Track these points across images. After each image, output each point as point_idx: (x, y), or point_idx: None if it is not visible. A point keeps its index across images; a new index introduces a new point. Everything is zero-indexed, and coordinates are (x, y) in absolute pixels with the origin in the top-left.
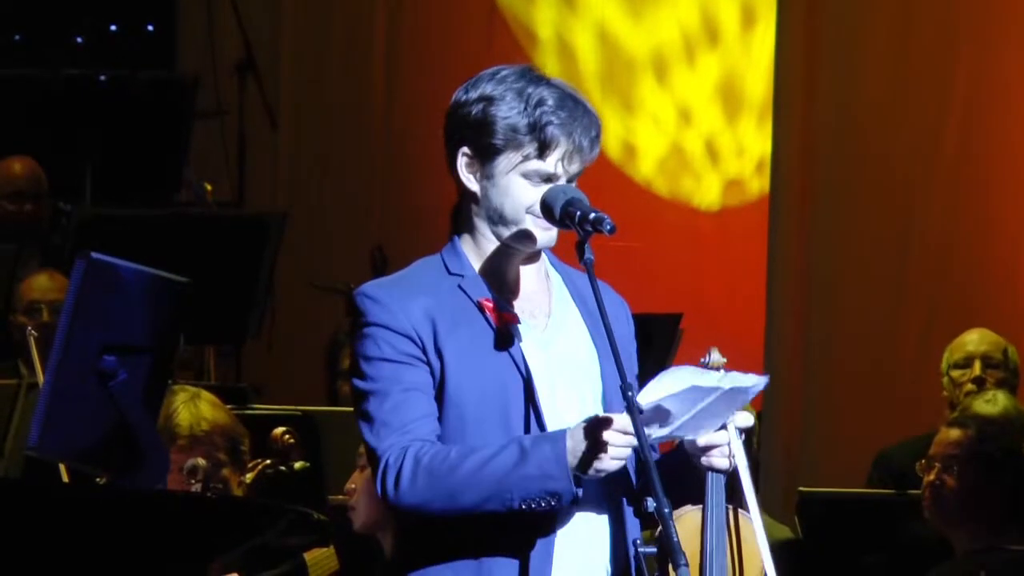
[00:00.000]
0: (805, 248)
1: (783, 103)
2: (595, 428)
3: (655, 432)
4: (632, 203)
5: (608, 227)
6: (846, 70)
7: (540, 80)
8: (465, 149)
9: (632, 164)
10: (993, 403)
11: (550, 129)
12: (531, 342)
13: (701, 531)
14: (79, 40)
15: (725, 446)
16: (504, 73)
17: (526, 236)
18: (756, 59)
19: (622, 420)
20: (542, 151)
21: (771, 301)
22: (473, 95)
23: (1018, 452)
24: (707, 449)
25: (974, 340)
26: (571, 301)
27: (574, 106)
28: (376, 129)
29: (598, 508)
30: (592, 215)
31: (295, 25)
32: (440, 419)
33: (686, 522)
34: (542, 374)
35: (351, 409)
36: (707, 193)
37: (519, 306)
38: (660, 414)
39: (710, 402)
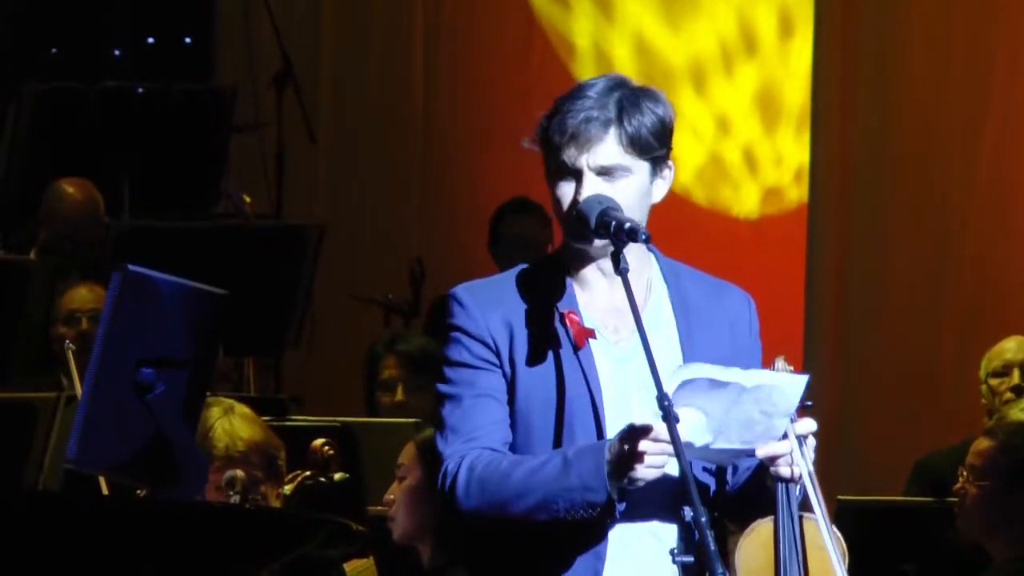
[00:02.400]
0: (843, 256)
1: (821, 112)
2: (631, 438)
3: (698, 442)
4: (671, 212)
5: (643, 237)
6: (883, 78)
7: (585, 84)
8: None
9: None
10: None
11: (560, 120)
12: (607, 357)
13: (774, 543)
14: (116, 53)
15: (788, 455)
16: (591, 83)
17: (576, 237)
18: (794, 68)
19: (657, 428)
20: (559, 146)
21: (809, 309)
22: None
23: None
24: (774, 460)
25: (1012, 348)
26: (669, 314)
27: (586, 92)
28: (414, 140)
29: (651, 519)
30: (627, 225)
31: (333, 37)
32: (511, 427)
33: (761, 534)
34: (614, 390)
35: (390, 420)
36: (745, 202)
37: (604, 318)
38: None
39: (740, 403)
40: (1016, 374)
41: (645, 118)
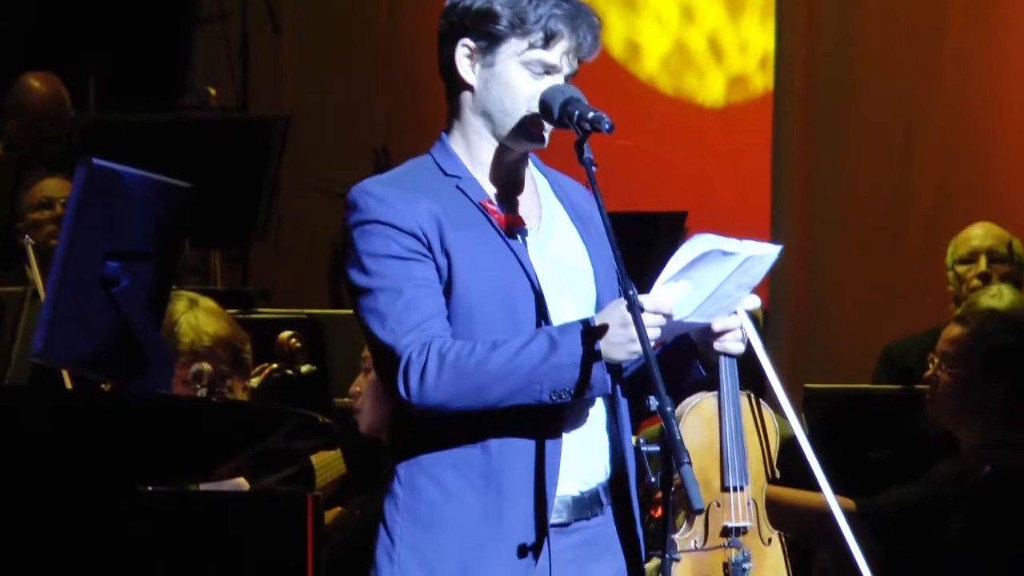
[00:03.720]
0: (809, 143)
1: None
2: (624, 311)
3: (678, 315)
4: (636, 101)
5: (607, 126)
6: None
7: None
8: (466, 40)
9: (636, 62)
10: (999, 297)
11: (555, 20)
12: (529, 244)
13: (719, 417)
14: None
15: (738, 330)
16: None
17: (522, 132)
18: None
19: (652, 300)
20: (547, 41)
21: (776, 198)
22: None
23: (1020, 347)
24: (720, 335)
25: (979, 235)
26: (559, 204)
27: (578, 2)
28: (380, 31)
29: (597, 405)
30: (591, 114)
31: None
32: (448, 317)
33: (703, 409)
34: (543, 275)
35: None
36: (711, 90)
37: (514, 208)
38: (684, 288)
39: (729, 275)
40: (983, 260)
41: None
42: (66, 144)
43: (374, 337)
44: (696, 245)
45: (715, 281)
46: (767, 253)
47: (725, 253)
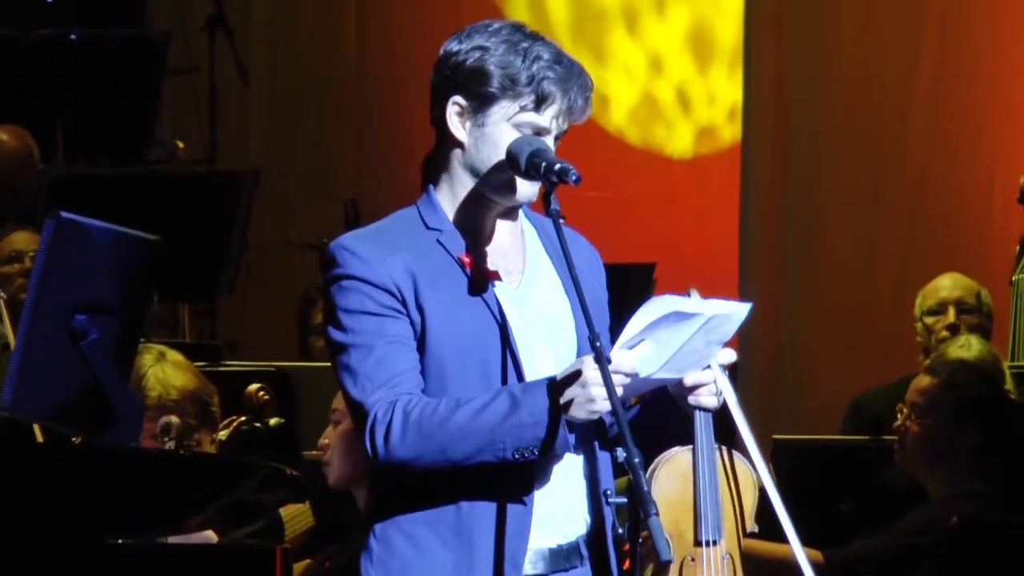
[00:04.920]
0: (778, 195)
1: (753, 50)
2: (586, 370)
3: (645, 372)
4: (605, 153)
5: (574, 177)
6: (816, 15)
7: (535, 36)
8: (457, 98)
9: (604, 114)
10: (967, 348)
11: (548, 84)
12: (506, 298)
13: (693, 471)
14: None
15: (712, 384)
16: (497, 26)
17: (509, 188)
18: (726, 7)
19: (613, 361)
20: (539, 104)
21: (744, 249)
22: (467, 45)
23: (989, 398)
24: (693, 389)
25: (947, 286)
26: (545, 256)
27: (570, 64)
28: (348, 84)
29: (574, 458)
30: (557, 165)
31: None
32: (422, 373)
33: (678, 462)
34: (519, 330)
35: (325, 364)
36: (679, 142)
37: (495, 262)
38: (646, 348)
39: (694, 334)
40: (951, 312)
41: None
42: (35, 197)
43: (347, 393)
44: (654, 308)
45: (678, 340)
46: (734, 311)
47: (684, 315)
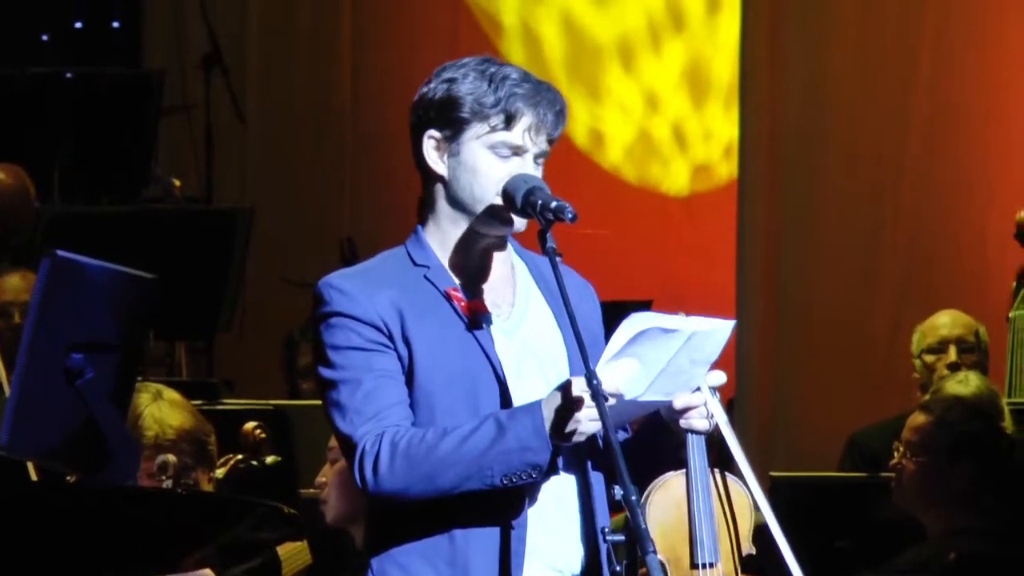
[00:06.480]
0: (774, 232)
1: (749, 87)
2: (570, 393)
3: (631, 394)
4: (600, 190)
5: (570, 215)
6: (812, 52)
7: (501, 63)
8: (432, 132)
9: (600, 151)
10: (965, 383)
11: (514, 100)
12: (496, 330)
13: (687, 496)
14: (44, 38)
15: (702, 407)
16: (466, 60)
17: (493, 216)
18: (721, 44)
19: (600, 376)
20: (508, 122)
21: (741, 286)
22: (436, 81)
23: (983, 434)
24: (684, 412)
25: (947, 323)
26: (536, 289)
27: (537, 82)
28: (344, 121)
29: (569, 491)
30: (553, 204)
31: (261, 18)
32: (411, 406)
33: (671, 488)
34: (509, 363)
35: (320, 403)
36: (675, 179)
37: (483, 295)
38: (631, 367)
39: (678, 352)
40: (952, 351)
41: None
42: (30, 236)
43: (336, 428)
44: (634, 323)
45: (662, 358)
46: (716, 328)
47: (665, 331)
